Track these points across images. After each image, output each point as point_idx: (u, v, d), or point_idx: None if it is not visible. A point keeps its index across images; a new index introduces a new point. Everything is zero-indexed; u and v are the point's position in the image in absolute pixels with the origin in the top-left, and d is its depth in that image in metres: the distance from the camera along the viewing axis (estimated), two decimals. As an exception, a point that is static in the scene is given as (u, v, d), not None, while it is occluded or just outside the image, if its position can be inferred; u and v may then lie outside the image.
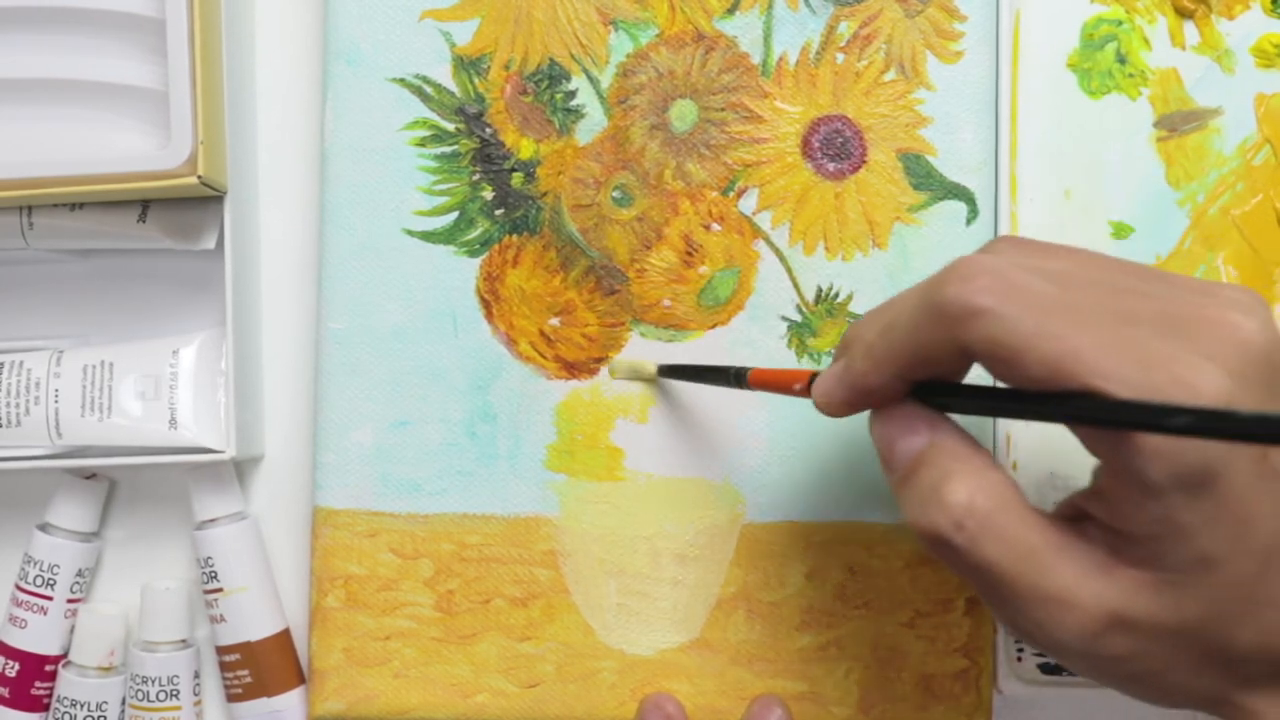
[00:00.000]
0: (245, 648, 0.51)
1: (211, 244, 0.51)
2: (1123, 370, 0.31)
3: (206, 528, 0.51)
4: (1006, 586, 0.33)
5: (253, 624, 0.51)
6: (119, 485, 0.54)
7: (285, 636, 0.52)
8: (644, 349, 0.49)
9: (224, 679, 0.51)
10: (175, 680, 0.51)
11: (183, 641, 0.51)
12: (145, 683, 0.51)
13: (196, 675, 0.52)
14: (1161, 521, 0.31)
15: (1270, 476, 0.32)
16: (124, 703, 0.52)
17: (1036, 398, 0.32)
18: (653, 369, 0.49)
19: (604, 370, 0.49)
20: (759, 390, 0.43)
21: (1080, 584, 0.32)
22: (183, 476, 0.52)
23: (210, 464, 0.51)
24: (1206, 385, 0.31)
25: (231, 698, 0.51)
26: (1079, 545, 0.33)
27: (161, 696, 0.51)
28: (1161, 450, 0.31)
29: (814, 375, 0.39)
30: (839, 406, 0.38)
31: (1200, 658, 0.33)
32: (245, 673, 0.51)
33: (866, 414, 0.38)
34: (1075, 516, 0.34)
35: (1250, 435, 0.27)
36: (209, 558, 0.51)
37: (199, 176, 0.47)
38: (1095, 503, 0.34)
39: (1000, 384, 0.34)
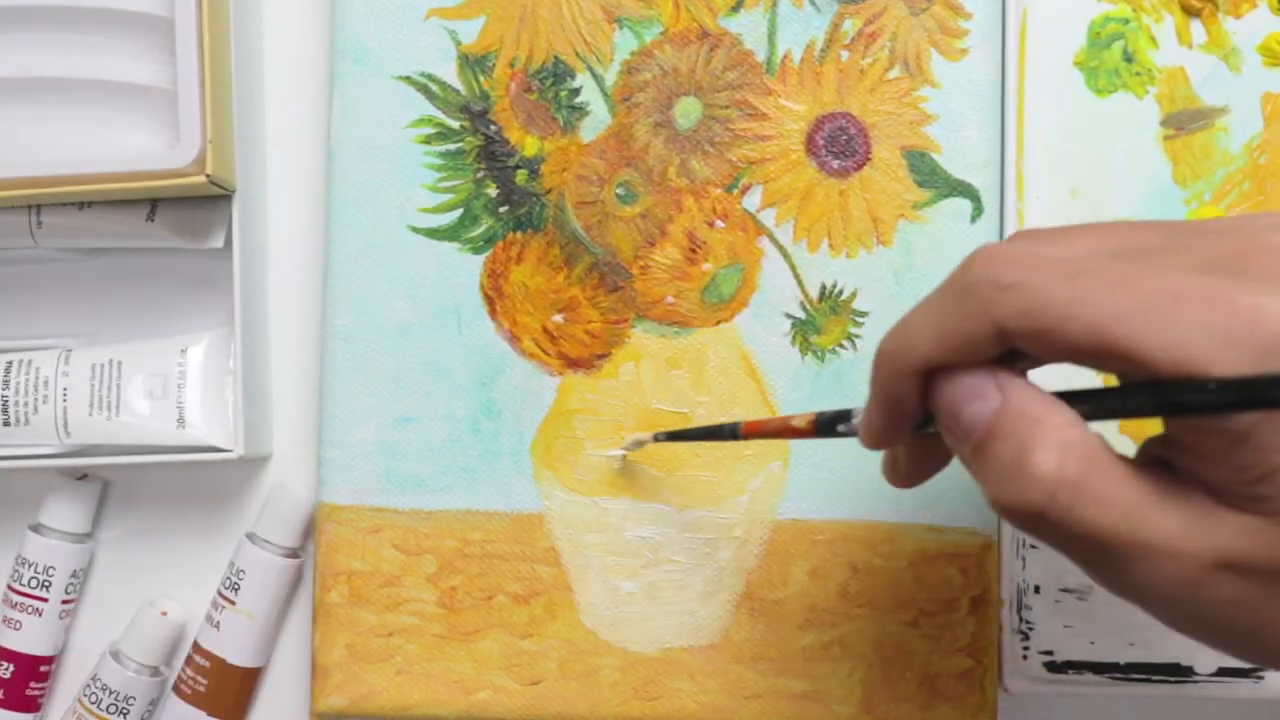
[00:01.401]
0: (219, 663, 0.51)
1: (220, 243, 0.51)
2: (1171, 323, 0.28)
3: (260, 544, 0.51)
4: (1108, 548, 0.30)
5: (238, 648, 0.51)
6: (113, 485, 0.54)
7: (257, 674, 0.52)
8: (647, 345, 0.49)
9: (183, 671, 0.51)
10: (130, 701, 0.51)
11: (154, 669, 0.51)
12: (103, 689, 0.51)
13: (153, 703, 0.52)
14: (1254, 467, 0.29)
15: None
16: (150, 701, 0.52)
17: (1104, 394, 0.31)
18: (649, 437, 0.48)
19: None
20: (755, 439, 0.43)
21: (1184, 532, 0.30)
22: (239, 480, 0.52)
23: (292, 494, 0.51)
24: (1274, 306, 0.28)
25: (178, 692, 0.51)
26: (1177, 493, 0.30)
27: (111, 710, 0.51)
28: None
29: (819, 414, 0.38)
30: (878, 436, 0.35)
31: None
32: (204, 682, 0.51)
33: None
34: (1161, 462, 0.32)
35: None
36: (242, 571, 0.51)
37: (207, 175, 0.47)
38: (1178, 453, 0.31)
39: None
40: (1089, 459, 0.30)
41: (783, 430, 0.40)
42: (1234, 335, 0.28)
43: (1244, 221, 0.31)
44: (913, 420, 0.34)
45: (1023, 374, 0.32)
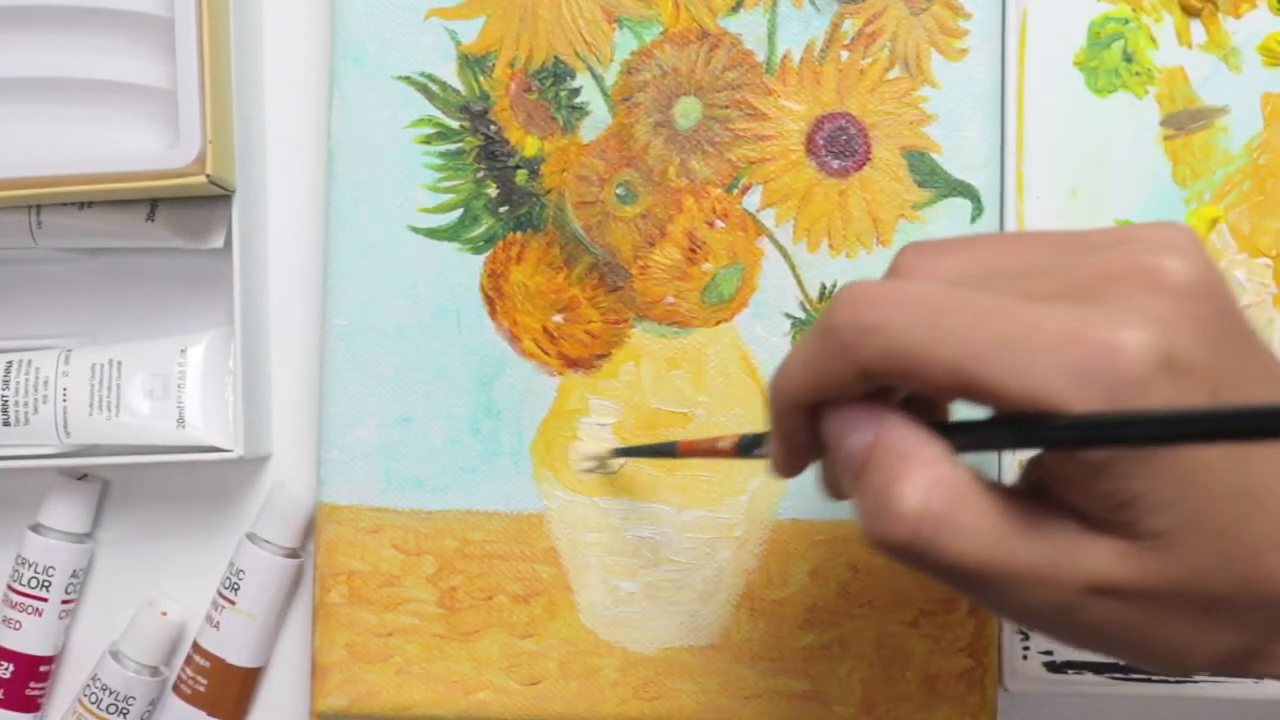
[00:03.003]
0: (219, 663, 0.51)
1: (220, 243, 0.51)
2: (1025, 362, 0.29)
3: (260, 544, 0.51)
4: (977, 579, 0.31)
5: (238, 649, 0.51)
6: (113, 485, 0.54)
7: (256, 674, 0.52)
8: (647, 345, 0.49)
9: (183, 671, 0.51)
10: (130, 701, 0.51)
11: (154, 669, 0.51)
12: (103, 689, 0.51)
13: (153, 704, 0.52)
14: (1114, 494, 0.30)
15: None
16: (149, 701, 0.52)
17: (961, 427, 0.31)
18: (607, 451, 0.49)
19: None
20: (690, 458, 0.44)
21: (1053, 560, 0.31)
22: (239, 480, 0.52)
23: (292, 494, 0.51)
24: (1132, 343, 0.28)
25: (178, 692, 0.51)
26: (1048, 520, 0.31)
27: (111, 710, 0.51)
28: None
29: (741, 437, 0.39)
30: (782, 465, 0.36)
31: (1203, 615, 0.31)
32: (204, 682, 0.51)
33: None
34: (1038, 486, 0.33)
35: (1157, 435, 0.27)
36: (242, 571, 0.51)
37: (207, 175, 0.47)
38: (1049, 478, 0.32)
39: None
40: (954, 493, 0.30)
41: (711, 451, 0.40)
42: (1086, 372, 0.28)
43: (1134, 235, 0.31)
44: (809, 450, 0.35)
45: (899, 405, 0.33)
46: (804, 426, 0.34)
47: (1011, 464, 0.48)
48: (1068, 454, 0.30)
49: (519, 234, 0.50)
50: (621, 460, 0.49)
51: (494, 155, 0.50)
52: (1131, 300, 0.29)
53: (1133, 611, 0.31)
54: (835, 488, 0.36)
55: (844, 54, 0.49)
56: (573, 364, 0.49)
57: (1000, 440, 0.31)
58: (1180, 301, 0.29)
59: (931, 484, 0.30)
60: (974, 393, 0.30)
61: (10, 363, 0.50)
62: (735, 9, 0.49)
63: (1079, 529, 0.31)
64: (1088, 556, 0.30)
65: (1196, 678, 0.48)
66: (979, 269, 0.32)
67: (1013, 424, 0.30)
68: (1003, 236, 0.34)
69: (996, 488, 0.32)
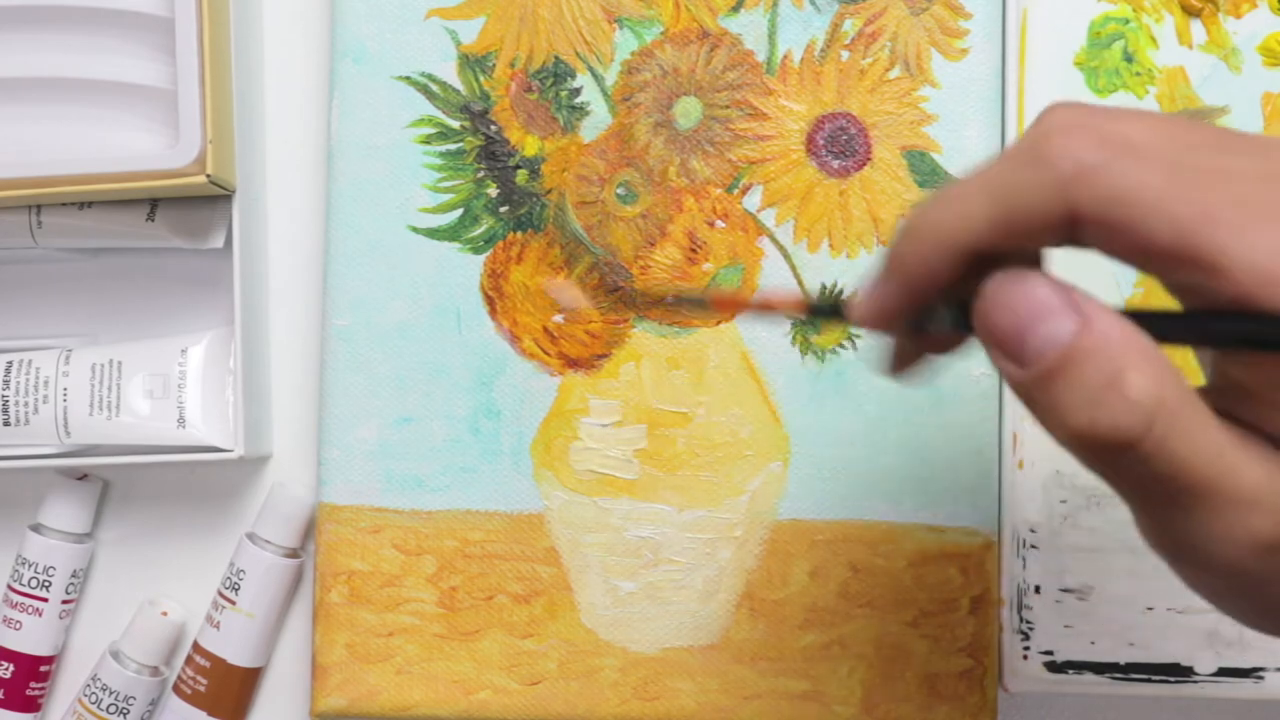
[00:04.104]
0: (219, 663, 0.51)
1: (220, 243, 0.51)
2: (1265, 236, 0.26)
3: (260, 544, 0.51)
4: (1193, 492, 0.27)
5: (239, 649, 0.51)
6: (113, 485, 0.54)
7: (256, 674, 0.52)
8: (647, 345, 0.49)
9: (183, 671, 0.51)
10: (130, 701, 0.51)
11: (155, 669, 0.51)
12: (103, 689, 0.51)
13: (153, 703, 0.52)
14: None
15: None
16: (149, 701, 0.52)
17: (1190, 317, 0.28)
18: (585, 301, 0.45)
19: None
20: (727, 312, 0.38)
21: (1269, 485, 0.27)
22: (239, 480, 0.52)
23: (292, 494, 0.51)
24: None
25: (178, 692, 0.51)
26: (1252, 443, 0.28)
27: (111, 710, 0.51)
28: None
29: (820, 294, 0.34)
30: (886, 310, 0.31)
31: None
32: (205, 681, 0.51)
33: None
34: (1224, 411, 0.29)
35: None
36: (242, 571, 0.51)
37: (208, 175, 0.47)
38: (1237, 402, 0.28)
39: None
40: (1186, 391, 0.27)
41: (763, 305, 0.34)
42: None
43: None
44: (927, 305, 0.30)
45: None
46: (948, 275, 0.29)
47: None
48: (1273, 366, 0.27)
49: (519, 234, 0.50)
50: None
51: (494, 155, 0.50)
52: None
53: None
54: (903, 363, 0.33)
55: (844, 54, 0.49)
56: (573, 364, 0.49)
57: (1218, 334, 0.28)
58: None
59: (1164, 376, 0.27)
60: (1194, 261, 0.26)
61: (10, 363, 0.50)
62: (736, 9, 0.49)
63: None
64: None
65: (1197, 678, 0.48)
66: (1183, 137, 0.28)
67: (1248, 319, 0.26)
68: (1175, 116, 0.30)
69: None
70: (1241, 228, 0.26)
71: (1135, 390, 0.27)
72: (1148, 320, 0.28)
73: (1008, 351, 0.28)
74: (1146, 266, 0.28)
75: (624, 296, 0.40)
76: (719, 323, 0.49)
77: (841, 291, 0.32)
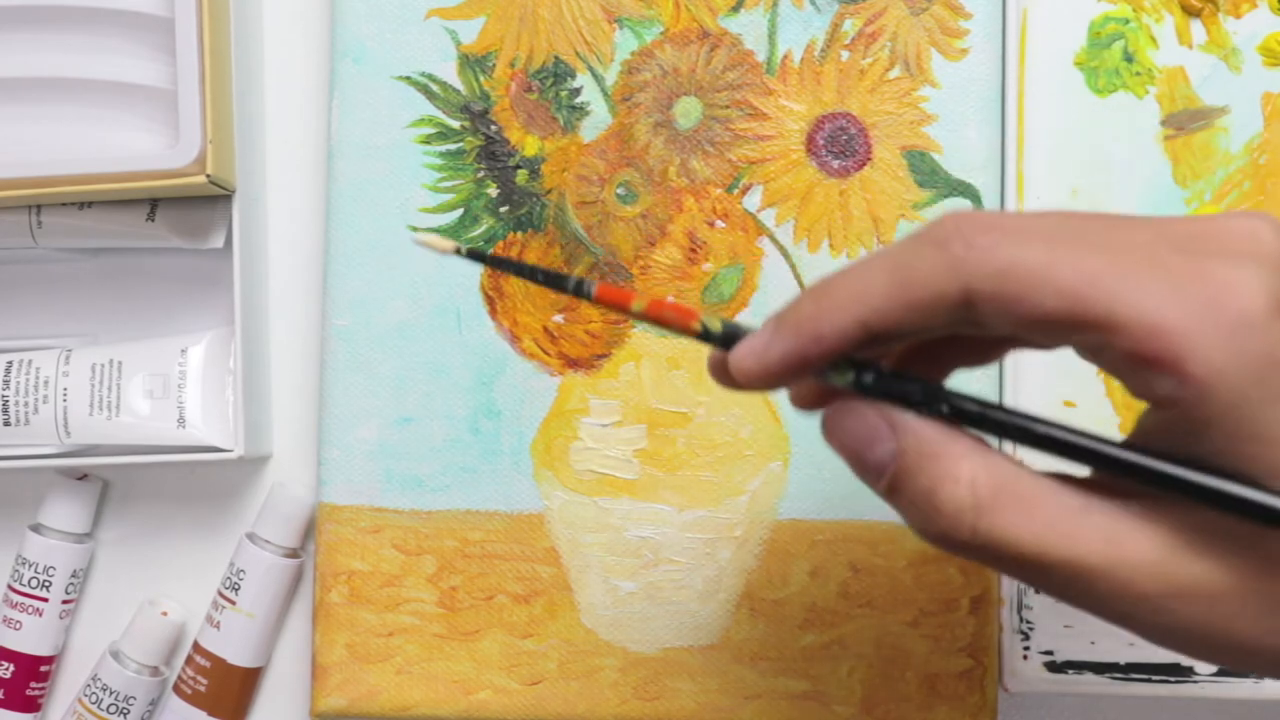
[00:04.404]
0: (219, 663, 0.51)
1: (220, 243, 0.51)
2: (1148, 289, 0.27)
3: (260, 544, 0.51)
4: (1036, 567, 0.30)
5: (239, 649, 0.51)
6: (113, 485, 0.54)
7: (257, 674, 0.52)
8: (647, 345, 0.49)
9: (183, 671, 0.51)
10: (130, 701, 0.51)
11: (155, 669, 0.51)
12: (103, 689, 0.51)
13: (153, 703, 0.52)
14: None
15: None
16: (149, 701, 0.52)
17: (1011, 425, 0.30)
18: (450, 247, 0.40)
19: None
20: (605, 308, 0.37)
21: (1108, 548, 0.29)
22: (239, 480, 0.52)
23: (292, 494, 0.51)
24: (1253, 284, 0.27)
25: (178, 692, 0.51)
26: (1100, 499, 0.30)
27: (111, 710, 0.51)
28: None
29: (724, 322, 0.34)
30: (772, 364, 0.32)
31: None
32: (205, 681, 0.51)
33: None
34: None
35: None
36: (242, 571, 0.51)
37: (208, 175, 0.47)
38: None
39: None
40: (1004, 480, 0.30)
41: (675, 321, 0.34)
42: (1210, 308, 0.27)
43: (1217, 216, 0.30)
44: (815, 368, 0.31)
45: (892, 361, 0.32)
46: (839, 343, 0.31)
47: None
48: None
49: (519, 234, 0.50)
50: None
51: (494, 155, 0.50)
52: (1237, 249, 0.28)
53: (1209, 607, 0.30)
54: (802, 403, 0.34)
55: (844, 54, 0.49)
56: (573, 364, 0.49)
57: (1003, 426, 0.30)
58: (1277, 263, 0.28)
59: (977, 476, 0.30)
60: (1085, 322, 0.28)
61: (10, 363, 0.50)
62: (736, 9, 0.49)
63: (1124, 509, 0.30)
64: (1144, 540, 0.29)
65: (1197, 678, 0.48)
66: (1070, 218, 0.30)
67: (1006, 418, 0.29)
68: (1069, 212, 0.31)
69: (1047, 474, 0.31)
70: (1126, 285, 0.28)
71: (946, 500, 0.30)
72: (978, 420, 0.31)
73: (856, 471, 0.32)
74: (1046, 338, 0.30)
75: (476, 255, 0.36)
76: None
77: (738, 328, 0.32)
